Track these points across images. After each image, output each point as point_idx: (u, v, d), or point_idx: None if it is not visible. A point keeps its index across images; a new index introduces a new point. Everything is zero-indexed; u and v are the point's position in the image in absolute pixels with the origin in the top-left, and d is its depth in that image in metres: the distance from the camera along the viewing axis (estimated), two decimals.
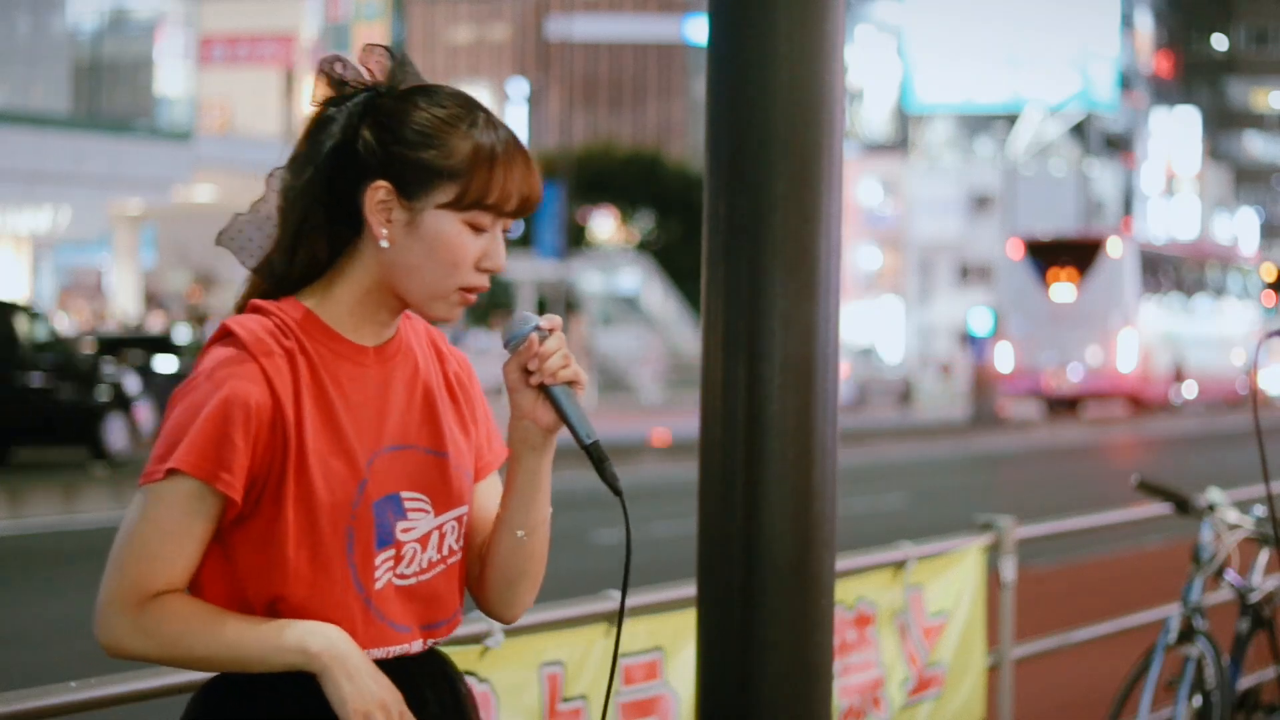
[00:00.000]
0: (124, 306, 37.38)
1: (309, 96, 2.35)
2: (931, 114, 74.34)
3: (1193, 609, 5.47)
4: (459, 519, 2.38)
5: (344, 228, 2.31)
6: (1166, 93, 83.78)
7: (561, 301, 39.93)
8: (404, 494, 2.32)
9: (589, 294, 47.66)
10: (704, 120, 3.00)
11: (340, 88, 2.33)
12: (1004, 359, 35.63)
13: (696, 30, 69.93)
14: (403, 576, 2.32)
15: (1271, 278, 46.40)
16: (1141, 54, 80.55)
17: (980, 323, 33.72)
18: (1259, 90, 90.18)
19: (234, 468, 2.21)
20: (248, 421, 2.21)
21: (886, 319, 66.38)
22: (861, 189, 66.37)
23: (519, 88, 70.74)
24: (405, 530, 2.31)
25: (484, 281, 2.32)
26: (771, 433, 2.93)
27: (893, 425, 30.92)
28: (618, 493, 2.32)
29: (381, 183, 2.27)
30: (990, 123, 73.75)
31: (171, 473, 2.21)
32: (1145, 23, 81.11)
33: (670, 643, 4.05)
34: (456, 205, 2.27)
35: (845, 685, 4.65)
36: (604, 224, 56.44)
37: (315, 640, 2.22)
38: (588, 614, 3.85)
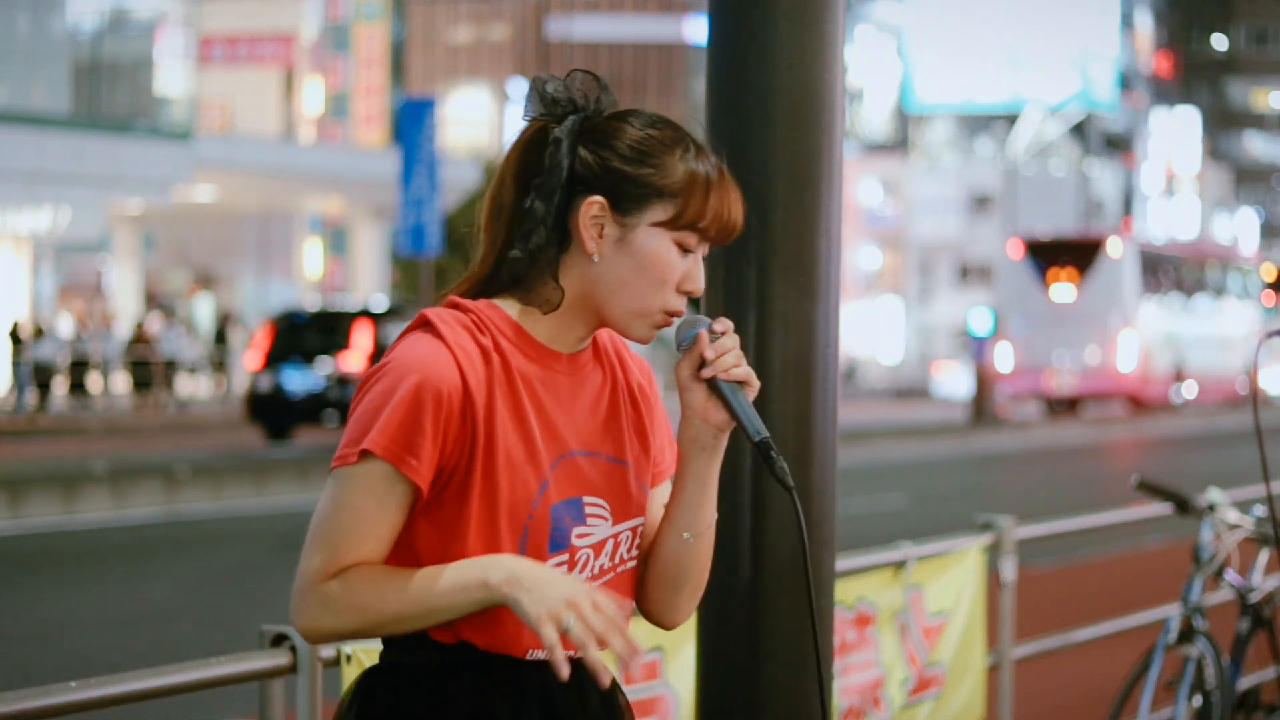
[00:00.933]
0: (124, 306, 37.39)
1: (520, 112, 2.37)
2: (931, 114, 74.33)
3: (1193, 609, 5.47)
4: (635, 529, 2.40)
5: (548, 243, 2.34)
6: (1166, 93, 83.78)
7: None
8: (585, 499, 2.34)
9: None
10: (704, 120, 2.99)
11: (552, 106, 2.35)
12: (1004, 359, 35.62)
13: (696, 30, 69.94)
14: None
15: (1271, 278, 46.38)
16: (1141, 54, 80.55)
17: (980, 323, 33.70)
18: (1259, 90, 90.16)
19: (422, 454, 2.23)
20: (439, 409, 2.23)
21: (886, 319, 66.37)
22: (861, 189, 66.37)
23: (519, 88, 70.74)
24: (581, 536, 2.33)
25: (683, 305, 2.35)
26: (771, 432, 2.93)
27: (893, 425, 30.91)
28: (789, 489, 2.32)
29: (597, 198, 2.30)
30: (990, 123, 73.74)
31: (364, 455, 2.22)
32: (1145, 23, 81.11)
33: (670, 643, 4.04)
34: (671, 224, 2.30)
35: (845, 685, 4.65)
36: None
37: (495, 573, 2.21)
38: None
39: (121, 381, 30.94)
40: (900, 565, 4.93)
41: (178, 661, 3.23)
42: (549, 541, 2.30)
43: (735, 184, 2.35)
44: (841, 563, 4.28)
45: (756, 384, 2.36)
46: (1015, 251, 38.73)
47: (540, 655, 2.29)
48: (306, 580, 2.25)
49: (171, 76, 50.24)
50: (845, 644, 4.66)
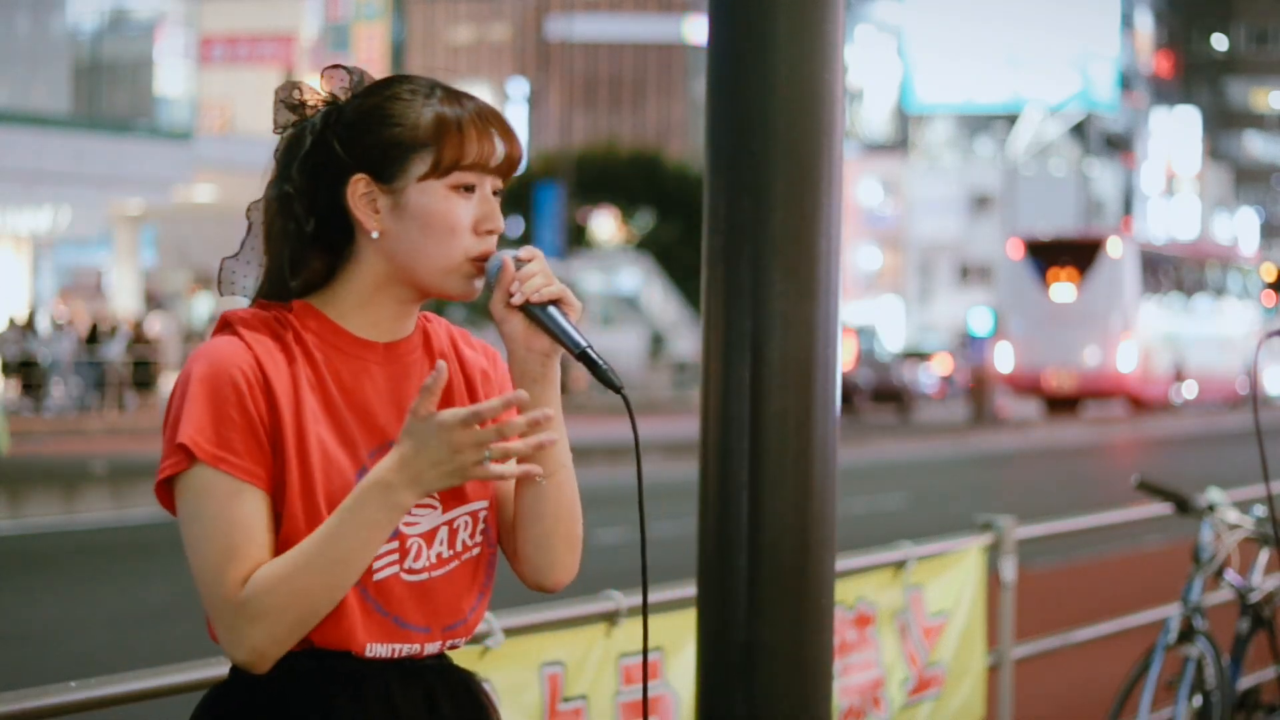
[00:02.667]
0: (124, 306, 37.38)
1: (272, 124, 2.36)
2: (931, 114, 74.35)
3: (1193, 609, 5.47)
4: (474, 514, 2.35)
5: (338, 237, 2.32)
6: (1166, 93, 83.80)
7: None
8: None
9: (589, 294, 47.66)
10: (704, 120, 3.00)
11: (299, 110, 2.34)
12: (1004, 359, 35.62)
13: (696, 30, 69.95)
14: (412, 572, 2.29)
15: (1271, 278, 46.40)
16: (1141, 54, 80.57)
17: (980, 323, 33.74)
18: (1259, 90, 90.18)
19: (235, 447, 2.19)
20: (240, 394, 2.20)
21: (886, 319, 66.39)
22: (861, 189, 66.39)
23: (519, 88, 70.74)
24: (408, 525, 2.27)
25: (490, 245, 2.30)
26: (771, 433, 2.93)
27: (893, 425, 30.90)
28: (618, 389, 2.28)
29: (359, 176, 2.28)
30: (990, 123, 73.77)
31: (190, 459, 2.19)
32: (1145, 23, 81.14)
33: (670, 643, 4.04)
34: (436, 173, 2.26)
35: (845, 685, 4.65)
36: (604, 224, 56.46)
37: (387, 478, 2.16)
38: (588, 614, 3.85)
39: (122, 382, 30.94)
40: (900, 565, 4.93)
41: (178, 661, 3.24)
42: None
43: (499, 114, 2.31)
44: (841, 563, 4.28)
45: (573, 301, 2.30)
46: (1015, 251, 38.74)
47: (381, 653, 2.26)
48: (221, 612, 2.18)
49: (171, 76, 50.25)
50: (845, 644, 4.66)
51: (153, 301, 39.72)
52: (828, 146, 2.96)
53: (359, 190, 2.28)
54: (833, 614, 3.02)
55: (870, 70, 72.86)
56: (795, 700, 2.94)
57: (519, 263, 2.29)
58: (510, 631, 3.57)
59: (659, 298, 48.98)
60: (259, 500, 2.20)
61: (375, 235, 2.28)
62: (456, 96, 2.31)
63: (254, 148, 39.98)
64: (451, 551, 2.33)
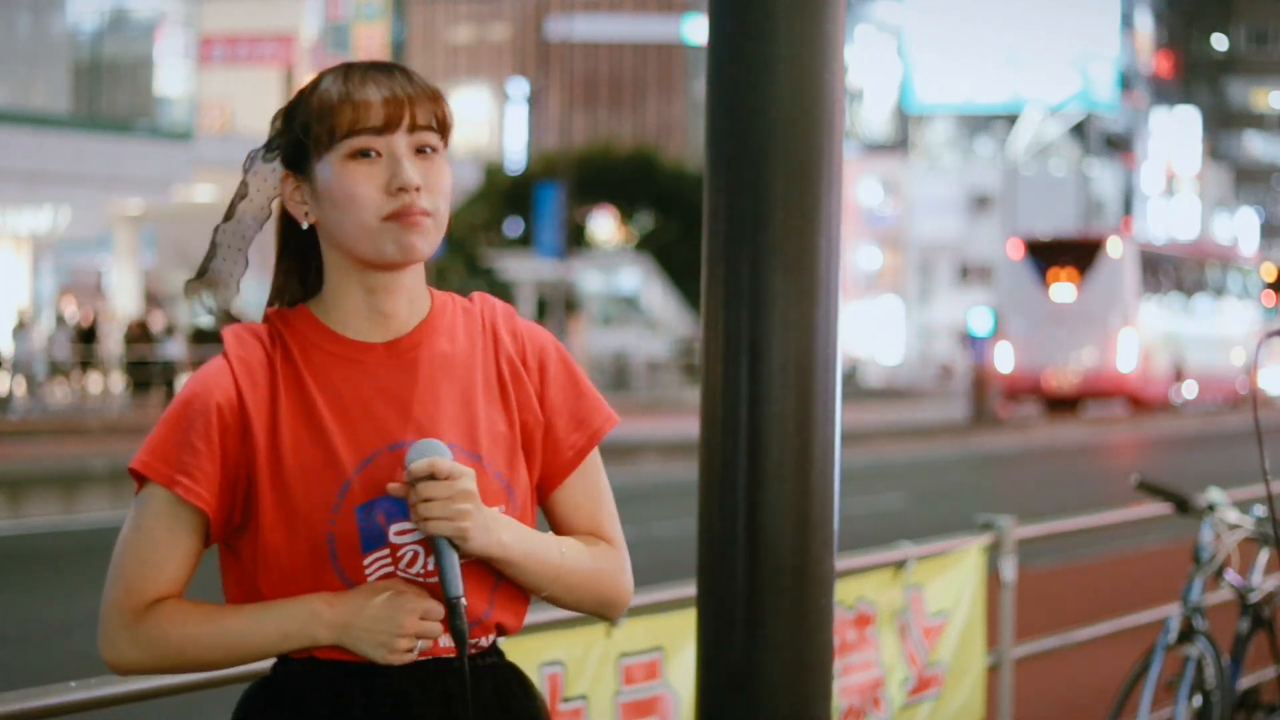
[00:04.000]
0: (124, 306, 37.39)
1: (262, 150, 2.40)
2: (931, 114, 74.34)
3: (1193, 609, 5.47)
4: None
5: (310, 249, 2.37)
6: (1166, 93, 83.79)
7: (561, 301, 39.92)
8: None
9: (589, 294, 47.68)
10: (704, 120, 3.00)
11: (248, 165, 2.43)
12: (1004, 359, 35.63)
13: (696, 30, 69.95)
14: (427, 574, 2.26)
15: (1271, 278, 46.40)
16: (1141, 54, 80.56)
17: (980, 323, 33.70)
18: (1259, 90, 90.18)
19: (195, 474, 2.22)
20: (209, 426, 2.23)
21: (886, 319, 66.37)
22: (861, 189, 66.38)
23: (519, 88, 70.73)
24: (402, 532, 2.25)
25: (406, 201, 2.25)
26: (771, 433, 2.93)
27: (893, 425, 30.89)
28: (461, 644, 2.24)
29: (285, 174, 2.34)
30: (990, 123, 73.76)
31: (140, 479, 2.25)
32: (1145, 23, 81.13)
33: (670, 643, 4.04)
34: (323, 148, 2.27)
35: (845, 685, 4.65)
36: (603, 224, 56.45)
37: (319, 630, 2.22)
38: None
39: (118, 381, 30.94)
40: (900, 565, 4.93)
41: None
42: (360, 543, 2.23)
43: (394, 72, 2.29)
44: (841, 563, 4.28)
45: (467, 536, 2.21)
46: (1015, 251, 38.74)
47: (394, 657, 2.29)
48: (111, 614, 2.31)
49: (171, 76, 50.25)
50: (845, 644, 4.66)
51: (152, 301, 39.70)
52: (828, 146, 2.96)
53: (287, 188, 2.33)
54: (833, 614, 3.01)
55: (870, 70, 72.85)
56: (795, 700, 2.94)
57: (410, 475, 2.21)
58: None
59: (659, 298, 48.98)
60: (191, 526, 2.25)
61: (305, 226, 2.32)
62: (347, 70, 2.30)
63: (254, 148, 39.99)
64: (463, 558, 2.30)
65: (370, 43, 52.56)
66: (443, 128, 2.30)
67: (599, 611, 2.47)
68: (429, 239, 2.26)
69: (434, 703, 2.27)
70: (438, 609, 2.22)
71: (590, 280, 48.09)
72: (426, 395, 2.30)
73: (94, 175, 33.35)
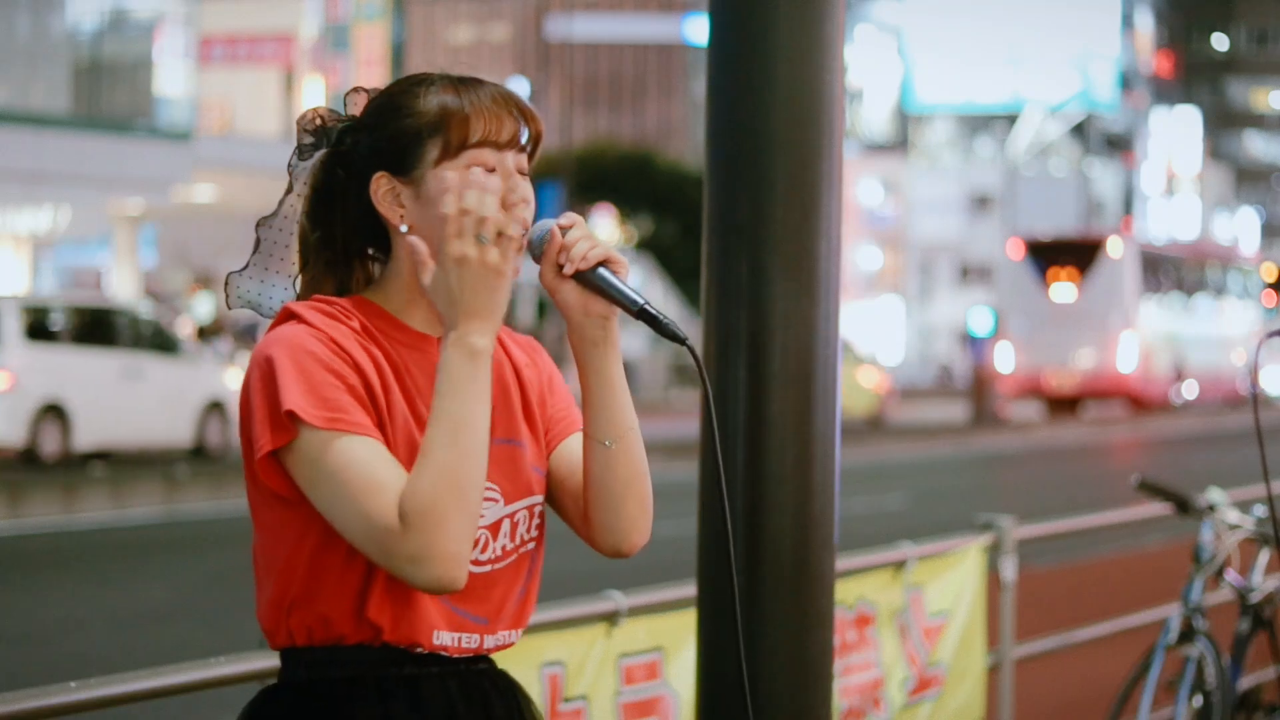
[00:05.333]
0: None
1: (295, 153, 2.38)
2: (931, 114, 74.35)
3: (1193, 609, 5.47)
4: (530, 508, 2.36)
5: (373, 240, 2.35)
6: (1167, 93, 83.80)
7: None
8: None
9: None
10: (704, 120, 3.00)
11: (319, 134, 2.37)
12: (1004, 359, 35.62)
13: (696, 30, 69.95)
14: (478, 563, 2.28)
15: (1271, 278, 46.40)
16: (1142, 54, 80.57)
17: (980, 323, 33.71)
18: (1259, 90, 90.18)
19: (345, 405, 2.17)
20: (331, 359, 2.19)
21: (886, 319, 66.38)
22: (861, 189, 66.37)
23: (519, 88, 70.68)
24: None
25: (519, 217, 2.28)
26: (771, 433, 2.93)
27: (892, 425, 30.89)
28: (683, 340, 2.26)
29: (379, 173, 2.29)
30: (990, 123, 73.78)
31: (296, 422, 2.14)
32: (1145, 23, 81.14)
33: (670, 643, 4.04)
34: (449, 155, 2.27)
35: (845, 685, 4.64)
36: (603, 224, 56.46)
37: (459, 331, 2.17)
38: (588, 614, 3.85)
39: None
40: (900, 565, 4.93)
41: (178, 661, 3.23)
42: None
43: (508, 90, 2.32)
44: (841, 563, 4.28)
45: (620, 259, 2.29)
46: (1015, 251, 38.73)
47: (446, 641, 2.26)
48: (397, 552, 2.12)
49: (171, 76, 50.24)
50: (845, 644, 4.66)
51: (154, 300, 39.70)
52: (828, 146, 2.96)
53: (381, 187, 2.29)
54: (833, 614, 3.02)
55: (870, 70, 72.84)
56: (795, 700, 2.94)
57: (562, 230, 2.29)
58: None
59: (659, 298, 48.98)
60: (376, 443, 2.18)
61: (404, 229, 2.29)
62: (462, 81, 2.32)
63: (254, 148, 39.99)
64: (513, 544, 2.34)
65: (370, 43, 52.59)
66: (534, 150, 2.35)
67: (631, 519, 2.39)
68: (521, 256, 2.29)
69: (475, 707, 2.30)
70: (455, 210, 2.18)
71: None
72: None
73: (94, 175, 33.32)
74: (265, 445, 2.17)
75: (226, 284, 2.40)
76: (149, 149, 35.17)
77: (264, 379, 2.19)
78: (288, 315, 2.26)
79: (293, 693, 2.27)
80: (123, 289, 38.68)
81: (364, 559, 2.19)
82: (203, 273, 42.90)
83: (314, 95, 52.57)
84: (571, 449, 2.43)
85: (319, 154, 2.36)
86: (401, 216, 2.29)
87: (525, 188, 2.30)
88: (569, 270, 2.28)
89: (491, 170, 2.28)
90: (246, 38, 51.59)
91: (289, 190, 2.39)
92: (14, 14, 38.89)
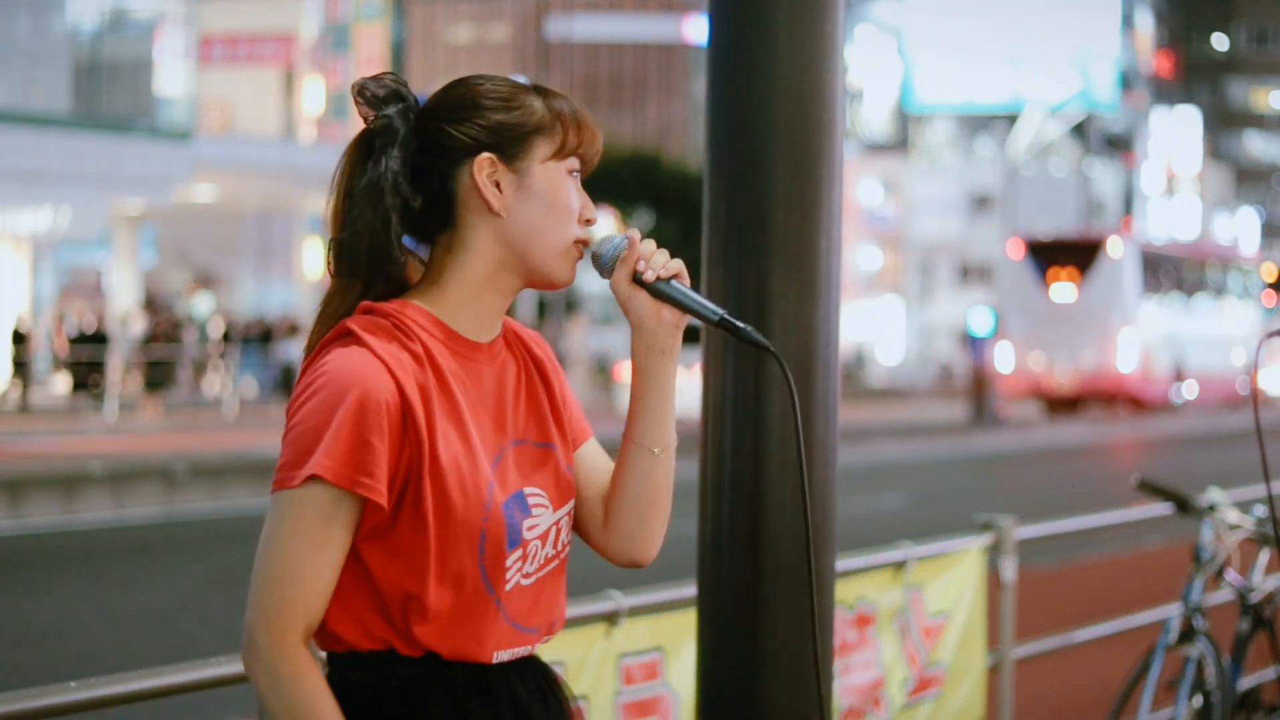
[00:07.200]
0: (124, 306, 37.40)
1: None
2: (931, 114, 74.34)
3: (1193, 609, 5.47)
4: (570, 513, 2.39)
5: (434, 225, 2.32)
6: (1167, 92, 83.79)
7: (561, 302, 39.91)
8: (526, 490, 2.31)
9: (589, 294, 47.67)
10: (704, 120, 3.00)
11: (379, 104, 2.33)
12: (1004, 359, 35.61)
13: (696, 30, 69.94)
14: (527, 575, 2.30)
15: (1272, 278, 46.38)
16: (1142, 54, 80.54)
17: (980, 323, 33.69)
18: (1259, 90, 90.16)
19: (375, 472, 2.17)
20: (381, 424, 2.17)
21: (886, 319, 66.35)
22: (861, 189, 66.34)
23: None
24: (530, 528, 2.29)
25: (588, 235, 2.35)
26: (772, 433, 2.93)
27: (893, 425, 30.89)
28: (767, 347, 2.31)
29: (486, 155, 2.28)
30: (990, 123, 73.75)
31: (310, 480, 2.16)
32: (1146, 22, 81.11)
33: (670, 643, 4.04)
34: (559, 155, 2.31)
35: (845, 685, 4.64)
36: (603, 224, 56.46)
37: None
38: (588, 614, 3.85)
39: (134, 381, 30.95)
40: (900, 565, 4.93)
41: (178, 661, 3.23)
42: (506, 540, 2.25)
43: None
44: (841, 563, 4.28)
45: (685, 272, 2.36)
46: (1015, 251, 38.72)
47: (506, 656, 2.28)
48: (261, 619, 2.18)
49: (171, 76, 50.26)
50: (845, 644, 4.66)
51: (153, 301, 39.70)
52: (828, 146, 2.96)
53: (485, 170, 2.29)
54: (833, 614, 3.02)
55: (870, 70, 72.81)
56: (795, 700, 2.94)
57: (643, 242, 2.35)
58: None
59: None
60: (351, 527, 2.19)
61: (502, 215, 2.29)
62: (551, 92, 2.35)
63: (254, 148, 40.00)
64: (554, 550, 2.36)
65: (370, 43, 52.57)
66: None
67: (656, 529, 2.45)
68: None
69: (534, 697, 2.32)
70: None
71: (590, 280, 48.06)
72: (515, 394, 2.36)
73: (94, 175, 33.34)
74: (289, 480, 2.19)
75: (330, 248, 2.36)
76: (149, 149, 35.17)
77: (318, 414, 2.18)
78: (345, 333, 2.24)
79: (353, 695, 2.25)
80: (123, 289, 38.69)
81: (405, 585, 2.22)
82: (203, 272, 42.90)
83: (314, 95, 52.59)
84: (586, 455, 2.45)
85: (382, 124, 2.31)
86: (501, 203, 2.29)
87: (592, 205, 2.36)
88: (650, 277, 2.32)
89: (574, 178, 2.33)
90: (246, 38, 51.60)
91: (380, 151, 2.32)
92: (14, 14, 38.89)
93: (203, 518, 15.72)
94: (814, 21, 2.93)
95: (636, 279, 2.33)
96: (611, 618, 3.87)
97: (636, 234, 2.34)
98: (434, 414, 2.22)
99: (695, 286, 2.41)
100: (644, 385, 2.38)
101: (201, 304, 42.76)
